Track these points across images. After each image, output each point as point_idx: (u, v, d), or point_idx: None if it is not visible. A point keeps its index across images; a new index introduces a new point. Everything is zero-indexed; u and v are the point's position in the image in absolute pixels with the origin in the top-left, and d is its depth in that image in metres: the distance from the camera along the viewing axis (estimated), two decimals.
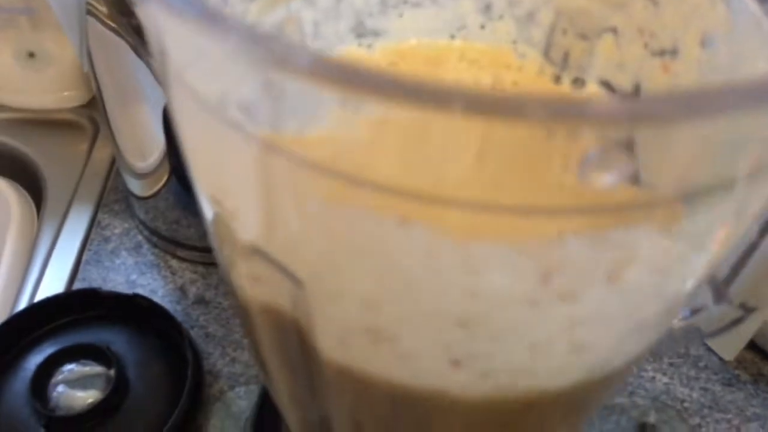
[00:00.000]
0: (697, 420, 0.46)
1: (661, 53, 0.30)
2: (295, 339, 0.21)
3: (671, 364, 0.48)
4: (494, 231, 0.14)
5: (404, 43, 0.35)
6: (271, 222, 0.17)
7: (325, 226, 0.16)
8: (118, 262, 0.51)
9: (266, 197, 0.17)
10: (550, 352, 0.18)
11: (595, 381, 0.20)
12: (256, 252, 0.18)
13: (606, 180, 0.16)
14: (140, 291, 0.48)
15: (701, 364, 0.48)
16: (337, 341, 0.19)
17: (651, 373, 0.48)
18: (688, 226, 0.15)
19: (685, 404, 0.47)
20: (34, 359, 0.45)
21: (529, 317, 0.16)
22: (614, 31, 0.32)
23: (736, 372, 0.48)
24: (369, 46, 0.35)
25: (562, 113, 0.14)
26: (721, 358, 0.49)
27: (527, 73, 0.34)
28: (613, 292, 0.16)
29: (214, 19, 0.14)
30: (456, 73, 0.34)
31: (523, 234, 0.17)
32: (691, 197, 0.14)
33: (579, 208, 0.16)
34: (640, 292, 0.16)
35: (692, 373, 0.48)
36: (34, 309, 0.46)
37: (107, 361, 0.44)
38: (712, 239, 0.16)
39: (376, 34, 0.35)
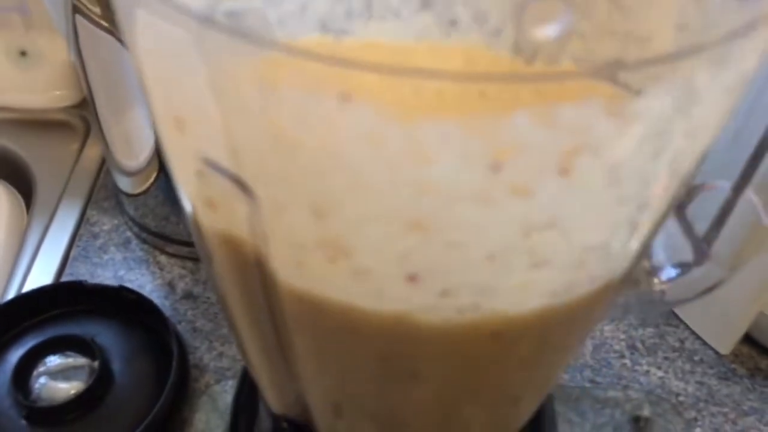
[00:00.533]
0: (692, 414, 0.45)
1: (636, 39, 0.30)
2: (256, 272, 0.20)
3: (666, 358, 0.47)
4: (440, 108, 0.14)
5: (371, 40, 0.34)
6: (220, 127, 0.17)
7: (265, 117, 0.15)
8: (106, 257, 0.51)
9: (213, 98, 0.16)
10: (509, 265, 0.17)
11: (560, 312, 0.20)
12: (210, 165, 0.18)
13: (546, 32, 0.15)
14: (128, 286, 0.48)
15: (696, 358, 0.47)
16: (295, 264, 0.19)
17: (645, 367, 0.47)
18: (638, 108, 0.15)
19: (681, 398, 0.46)
20: (18, 351, 0.44)
21: (482, 217, 0.16)
22: (582, 35, 0.31)
23: (733, 366, 0.47)
24: (335, 38, 0.35)
25: None
26: (716, 352, 0.48)
27: (500, 65, 0.34)
28: (566, 189, 0.16)
29: None
30: (426, 63, 0.34)
31: (472, 111, 0.16)
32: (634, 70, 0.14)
33: (524, 76, 0.16)
34: (595, 191, 0.16)
35: (687, 366, 0.47)
36: (19, 300, 0.46)
37: (91, 352, 0.44)
38: (667, 129, 0.15)
39: (343, 32, 0.34)
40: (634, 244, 0.19)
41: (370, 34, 0.34)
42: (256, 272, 0.20)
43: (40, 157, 0.57)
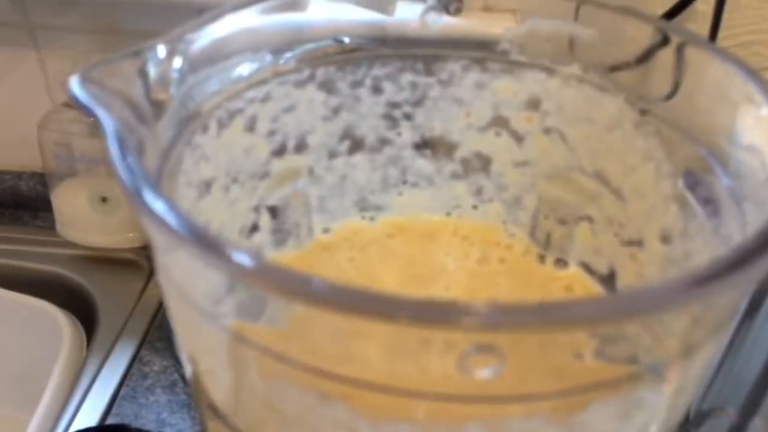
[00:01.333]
0: None
1: (630, 243, 0.32)
2: None
3: None
4: (401, 412, 0.16)
5: (403, 217, 0.38)
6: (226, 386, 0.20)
7: (263, 396, 0.19)
8: (152, 399, 0.54)
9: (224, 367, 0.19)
10: None
11: None
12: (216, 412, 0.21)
13: (481, 373, 0.18)
14: (168, 430, 0.51)
15: None
16: None
17: None
18: (584, 418, 0.17)
19: None
20: None
21: None
22: (590, 219, 0.34)
23: None
24: (371, 218, 0.38)
25: (436, 321, 0.17)
26: None
27: (514, 252, 0.36)
28: None
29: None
30: (448, 247, 0.37)
31: (427, 416, 0.20)
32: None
33: (471, 396, 0.19)
34: None
35: None
36: None
37: None
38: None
39: (378, 208, 0.38)
40: None
41: (405, 204, 0.38)
42: None
43: (106, 292, 0.62)
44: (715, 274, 0.18)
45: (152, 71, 0.27)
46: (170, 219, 0.20)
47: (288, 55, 0.34)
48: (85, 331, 0.60)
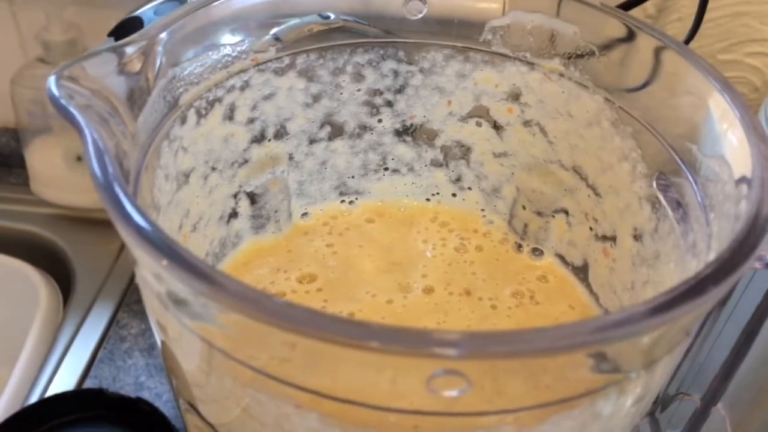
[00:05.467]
0: None
1: (603, 238, 0.33)
2: None
3: None
4: (371, 422, 0.17)
5: (383, 202, 0.38)
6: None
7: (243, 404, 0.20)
8: (129, 362, 0.55)
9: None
10: None
11: None
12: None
13: (449, 394, 0.19)
14: (146, 394, 0.51)
15: None
16: None
17: None
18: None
19: None
20: None
21: None
22: (566, 212, 0.34)
23: None
24: (350, 202, 0.38)
25: (406, 350, 0.17)
26: None
27: (492, 240, 0.37)
28: None
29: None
30: (427, 233, 0.37)
31: (396, 427, 0.20)
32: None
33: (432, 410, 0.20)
34: None
35: None
36: (41, 405, 0.49)
37: None
38: None
39: (357, 192, 0.38)
40: None
41: (385, 189, 0.38)
42: None
43: (82, 252, 0.61)
44: (671, 305, 0.19)
45: (130, 67, 0.27)
46: (147, 237, 0.20)
47: (272, 32, 0.33)
48: (61, 292, 0.60)
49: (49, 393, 0.52)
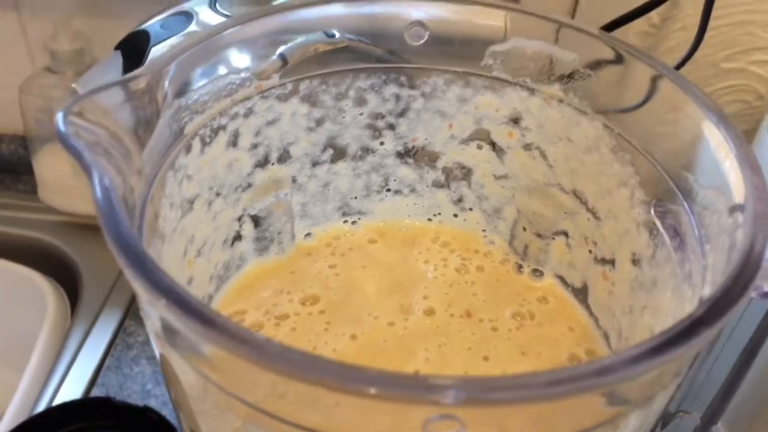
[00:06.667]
0: None
1: (603, 261, 0.33)
2: None
3: None
4: None
5: (385, 222, 0.38)
6: None
7: None
8: (136, 370, 0.55)
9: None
10: None
11: None
12: None
13: None
14: (153, 402, 0.52)
15: None
16: None
17: None
18: None
19: None
20: None
21: None
22: (566, 234, 0.35)
23: None
24: (353, 222, 0.38)
25: (403, 397, 0.18)
26: None
27: (493, 260, 0.37)
28: None
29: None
30: (428, 254, 0.37)
31: None
32: None
33: None
34: None
35: None
36: (49, 414, 0.50)
37: None
38: None
39: (360, 213, 0.38)
40: None
41: (387, 210, 0.38)
42: None
43: (89, 260, 0.62)
44: (662, 349, 0.20)
45: (137, 101, 0.27)
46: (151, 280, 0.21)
47: (278, 51, 0.33)
48: (68, 299, 0.61)
49: (58, 400, 0.53)
